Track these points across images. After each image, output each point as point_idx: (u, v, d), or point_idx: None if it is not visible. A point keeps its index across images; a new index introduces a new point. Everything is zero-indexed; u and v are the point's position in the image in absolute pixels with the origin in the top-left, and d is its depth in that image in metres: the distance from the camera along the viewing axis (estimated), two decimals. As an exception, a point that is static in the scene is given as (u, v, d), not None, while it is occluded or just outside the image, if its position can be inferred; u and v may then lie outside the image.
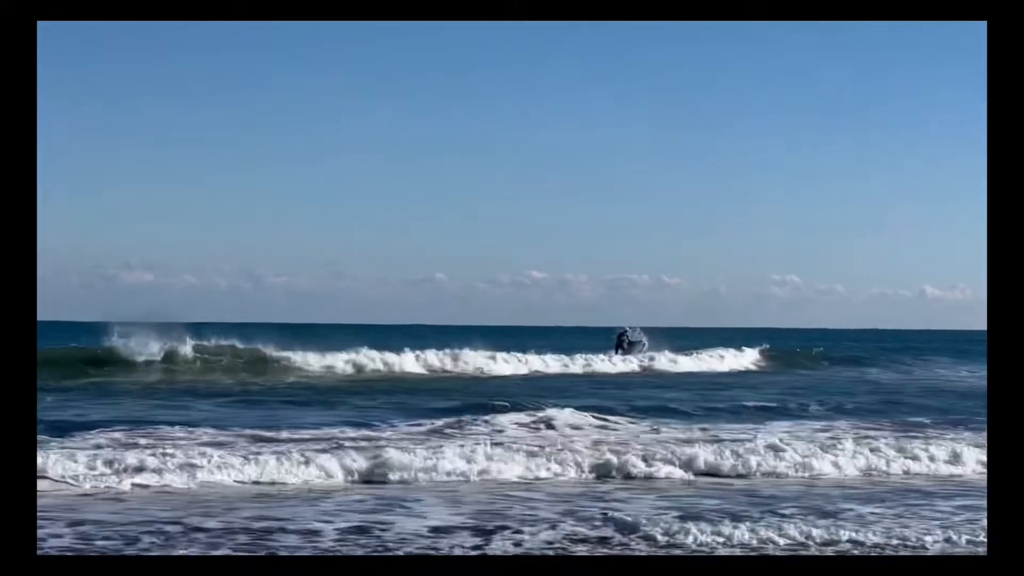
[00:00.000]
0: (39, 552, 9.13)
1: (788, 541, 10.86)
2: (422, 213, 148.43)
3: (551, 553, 10.50)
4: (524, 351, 44.85)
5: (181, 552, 10.37)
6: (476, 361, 41.95)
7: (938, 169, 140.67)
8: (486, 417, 21.71)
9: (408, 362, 40.92)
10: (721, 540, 10.80)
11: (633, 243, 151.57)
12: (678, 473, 15.58)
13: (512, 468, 15.37)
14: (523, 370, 42.36)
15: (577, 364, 44.24)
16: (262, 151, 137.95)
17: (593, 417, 22.06)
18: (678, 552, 10.53)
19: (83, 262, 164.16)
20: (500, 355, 42.95)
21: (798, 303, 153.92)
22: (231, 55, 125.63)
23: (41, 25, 7.84)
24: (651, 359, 46.75)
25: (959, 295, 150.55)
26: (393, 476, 14.80)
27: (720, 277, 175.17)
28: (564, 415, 21.97)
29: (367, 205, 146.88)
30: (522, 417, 21.77)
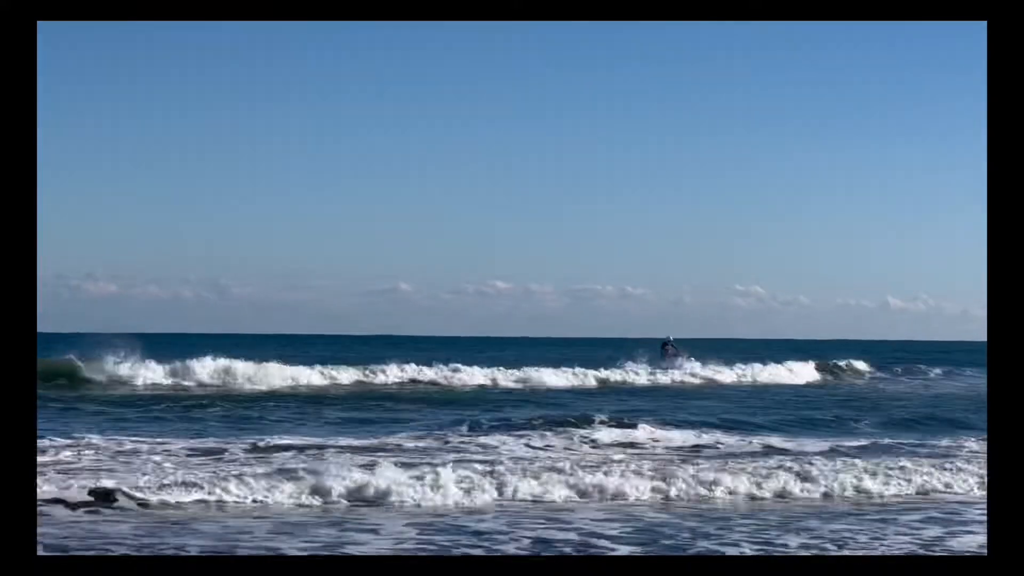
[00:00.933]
0: (39, 552, 9.12)
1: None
2: (385, 222, 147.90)
3: (551, 553, 10.51)
4: (546, 363, 43.58)
5: (181, 552, 10.37)
6: (528, 375, 40.36)
7: (901, 182, 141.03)
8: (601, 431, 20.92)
9: (474, 375, 40.00)
10: None
11: (598, 254, 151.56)
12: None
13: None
14: (569, 382, 40.50)
15: (617, 375, 42.51)
16: (226, 162, 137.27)
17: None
18: (678, 552, 10.54)
19: (46, 272, 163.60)
20: (547, 369, 41.63)
21: (762, 314, 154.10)
22: (198, 62, 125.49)
23: (41, 25, 7.84)
24: (709, 370, 44.72)
25: (921, 306, 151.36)
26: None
27: (685, 288, 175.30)
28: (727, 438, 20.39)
29: (330, 215, 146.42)
30: (637, 433, 20.67)
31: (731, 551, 10.59)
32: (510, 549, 10.69)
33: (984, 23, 7.95)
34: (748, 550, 10.65)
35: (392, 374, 38.69)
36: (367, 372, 38.75)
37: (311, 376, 37.28)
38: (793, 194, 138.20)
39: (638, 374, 43.17)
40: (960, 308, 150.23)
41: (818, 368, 50.03)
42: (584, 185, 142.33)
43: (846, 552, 10.60)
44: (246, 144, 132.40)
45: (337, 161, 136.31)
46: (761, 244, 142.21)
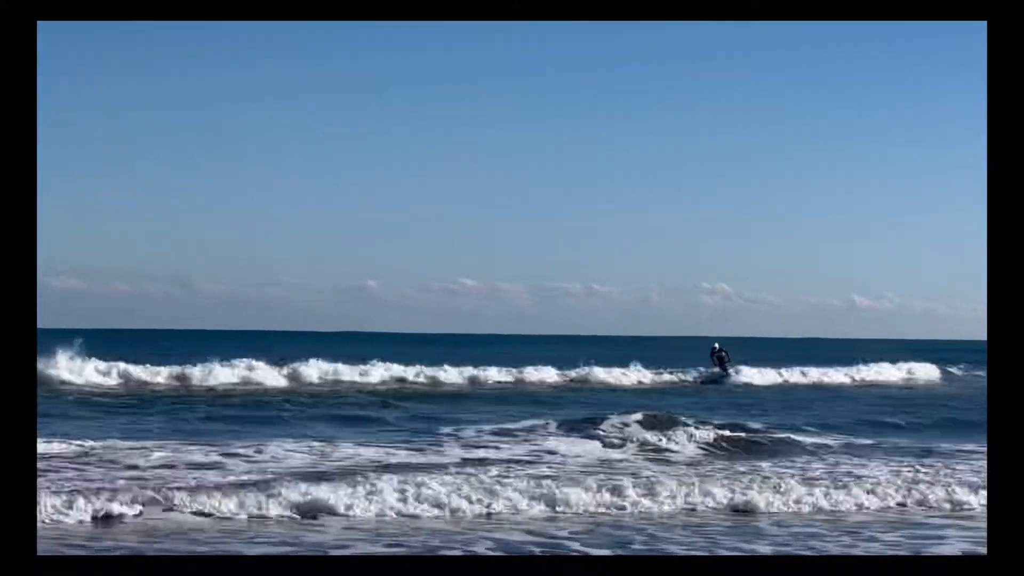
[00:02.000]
0: (39, 552, 9.11)
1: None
2: (353, 219, 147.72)
3: (551, 553, 10.50)
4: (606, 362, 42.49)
5: (181, 552, 10.37)
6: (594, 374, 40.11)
7: (868, 180, 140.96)
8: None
9: (549, 373, 39.69)
10: None
11: (565, 252, 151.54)
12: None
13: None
14: (630, 380, 39.97)
15: (675, 376, 41.77)
16: (194, 157, 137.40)
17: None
18: (678, 552, 10.54)
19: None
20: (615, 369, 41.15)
21: (729, 312, 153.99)
22: (189, 61, 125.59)
23: (41, 25, 7.84)
24: (774, 374, 42.74)
25: (888, 304, 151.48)
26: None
27: (652, 286, 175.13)
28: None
29: (297, 212, 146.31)
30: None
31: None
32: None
33: (984, 23, 7.96)
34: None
35: (461, 373, 38.42)
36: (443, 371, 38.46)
37: (380, 372, 37.31)
38: (756, 193, 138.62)
39: (712, 377, 41.42)
40: (925, 306, 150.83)
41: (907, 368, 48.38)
42: (553, 185, 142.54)
43: (846, 552, 10.60)
44: (217, 142, 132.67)
45: (307, 159, 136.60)
46: (728, 242, 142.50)
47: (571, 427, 20.58)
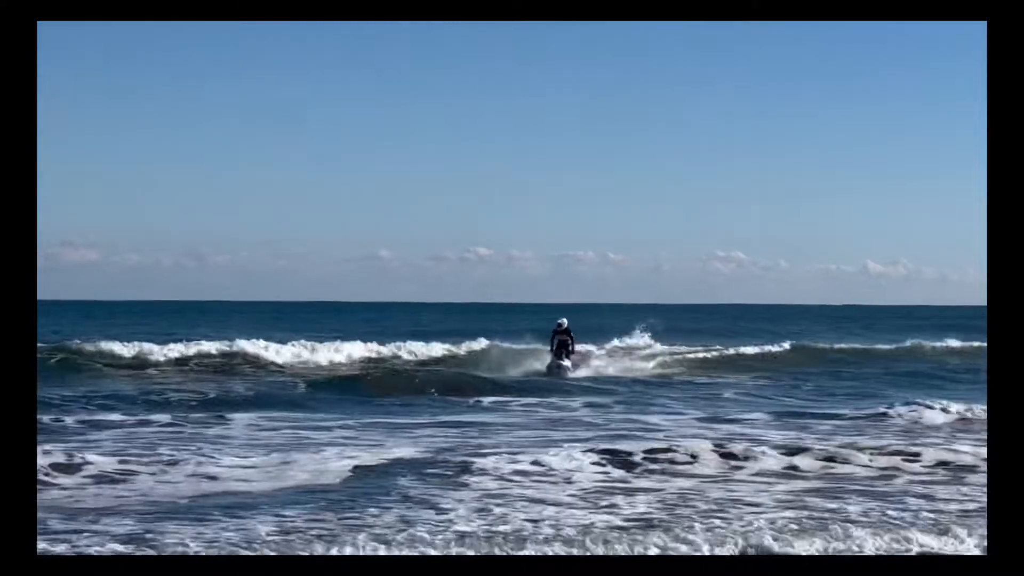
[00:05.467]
0: (39, 552, 9.13)
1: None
2: (364, 189, 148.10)
3: (551, 553, 10.50)
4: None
5: (181, 552, 10.36)
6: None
7: (886, 145, 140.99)
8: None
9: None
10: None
11: (578, 219, 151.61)
12: None
13: None
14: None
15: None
16: (204, 131, 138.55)
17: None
18: (678, 552, 10.53)
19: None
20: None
21: (743, 279, 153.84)
22: (200, 50, 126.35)
23: (41, 25, 7.85)
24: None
25: (902, 270, 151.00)
26: None
27: (664, 254, 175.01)
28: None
29: (308, 181, 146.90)
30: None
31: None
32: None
33: (984, 23, 7.96)
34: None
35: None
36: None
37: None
38: (773, 159, 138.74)
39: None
40: (938, 272, 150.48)
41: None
42: (568, 153, 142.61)
43: (846, 552, 10.59)
44: (227, 115, 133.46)
45: (318, 130, 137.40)
46: (742, 209, 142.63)
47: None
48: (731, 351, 41.75)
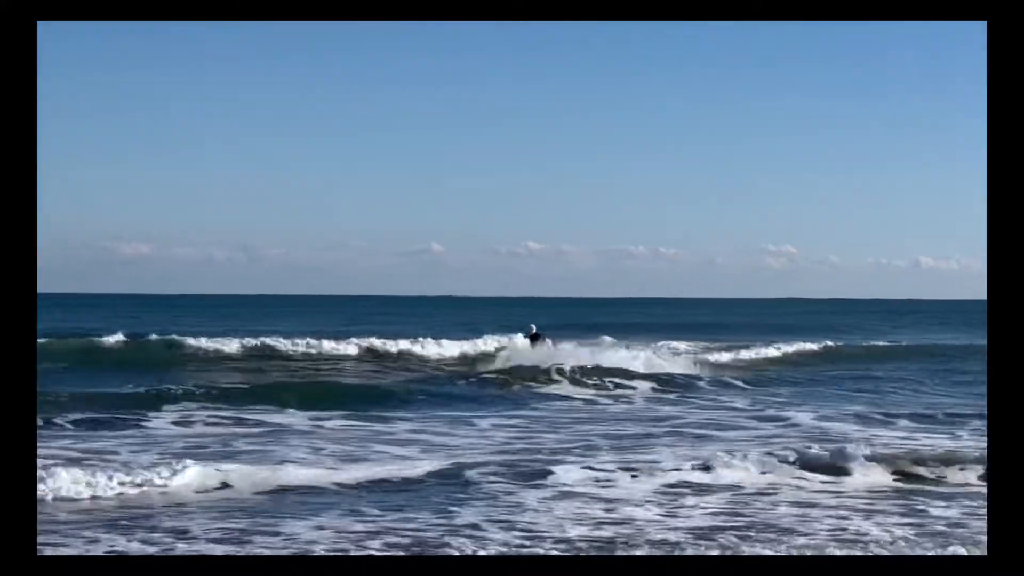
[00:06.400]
0: (39, 552, 9.12)
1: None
2: (419, 183, 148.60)
3: (551, 553, 10.50)
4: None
5: (181, 552, 10.37)
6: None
7: (936, 140, 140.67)
8: None
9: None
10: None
11: (630, 214, 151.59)
12: None
13: None
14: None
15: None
16: (256, 127, 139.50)
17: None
18: (678, 552, 10.53)
19: (79, 234, 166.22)
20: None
21: (793, 273, 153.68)
22: (234, 48, 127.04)
23: (41, 25, 7.84)
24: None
25: (954, 265, 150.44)
26: None
27: (717, 248, 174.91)
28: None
29: (362, 176, 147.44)
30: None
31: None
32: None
33: (984, 23, 7.96)
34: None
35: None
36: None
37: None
38: (825, 156, 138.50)
39: None
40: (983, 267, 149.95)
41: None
42: (620, 147, 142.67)
43: (846, 552, 10.59)
44: (280, 109, 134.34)
45: (369, 123, 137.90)
46: (794, 204, 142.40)
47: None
48: (829, 344, 40.97)
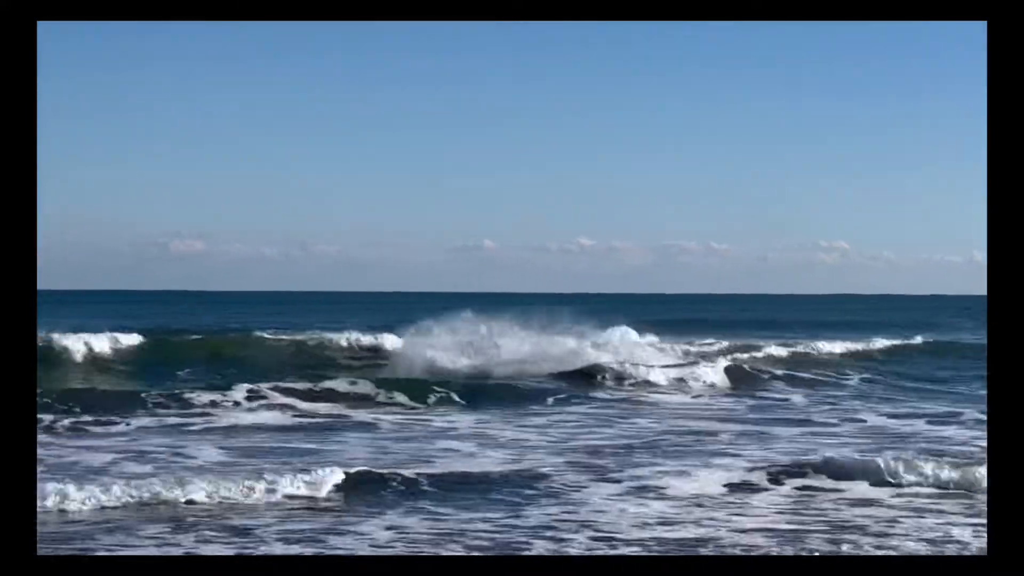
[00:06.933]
0: (39, 552, 9.12)
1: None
2: (471, 179, 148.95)
3: (551, 553, 10.50)
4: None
5: (181, 552, 10.37)
6: None
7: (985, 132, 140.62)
8: None
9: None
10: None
11: (681, 209, 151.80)
12: None
13: None
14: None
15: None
16: (305, 123, 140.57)
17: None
18: (677, 552, 10.53)
19: (134, 231, 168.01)
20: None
21: (846, 269, 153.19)
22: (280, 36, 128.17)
23: (41, 25, 7.84)
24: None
25: None
26: None
27: (770, 244, 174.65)
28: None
29: (413, 172, 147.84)
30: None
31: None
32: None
33: (984, 23, 7.96)
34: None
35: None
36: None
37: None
38: (877, 149, 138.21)
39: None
40: None
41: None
42: (672, 142, 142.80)
43: (845, 552, 10.59)
44: (329, 105, 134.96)
45: (419, 123, 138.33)
46: (848, 199, 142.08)
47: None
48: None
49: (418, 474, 14.05)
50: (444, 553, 10.42)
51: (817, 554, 10.47)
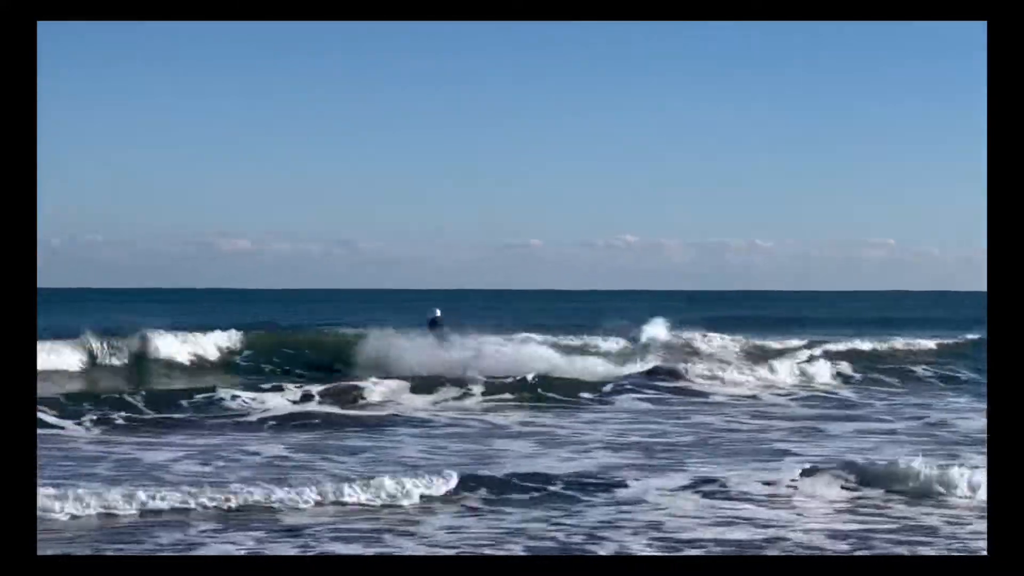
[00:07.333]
0: (39, 552, 9.12)
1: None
2: (515, 177, 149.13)
3: (550, 553, 10.49)
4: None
5: (181, 552, 10.37)
6: None
7: None
8: None
9: None
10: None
11: (726, 206, 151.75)
12: None
13: None
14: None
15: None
16: (350, 121, 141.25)
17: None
18: (678, 552, 10.53)
19: (182, 231, 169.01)
20: None
21: (892, 265, 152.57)
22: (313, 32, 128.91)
23: (41, 25, 7.85)
24: None
25: None
26: None
27: (815, 240, 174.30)
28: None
29: (461, 171, 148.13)
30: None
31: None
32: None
33: (984, 23, 7.96)
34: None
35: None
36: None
37: None
38: (920, 142, 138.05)
39: None
40: None
41: None
42: (716, 139, 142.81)
43: (845, 552, 10.59)
44: (364, 105, 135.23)
45: (471, 118, 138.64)
46: (892, 195, 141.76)
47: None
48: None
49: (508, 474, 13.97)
50: (443, 553, 10.42)
51: (817, 554, 10.47)
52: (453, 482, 13.08)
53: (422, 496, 12.68)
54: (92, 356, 28.22)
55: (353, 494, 12.50)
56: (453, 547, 10.68)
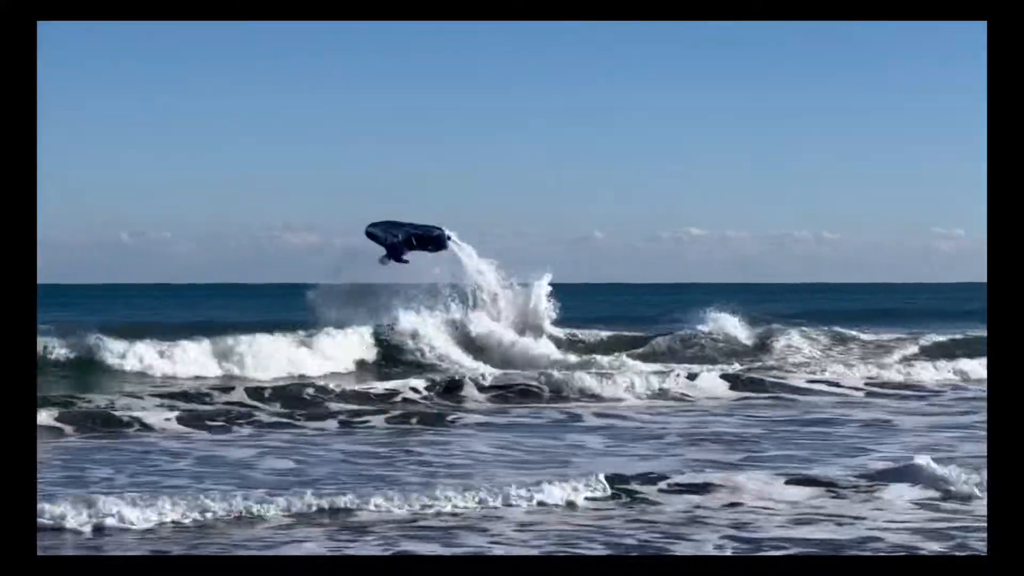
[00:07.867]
0: (39, 552, 9.13)
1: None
2: (579, 170, 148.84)
3: (550, 553, 10.49)
4: None
5: (181, 552, 10.37)
6: None
7: None
8: None
9: None
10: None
11: (793, 198, 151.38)
12: None
13: None
14: None
15: None
16: (418, 112, 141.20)
17: None
18: (678, 552, 10.53)
19: (253, 225, 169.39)
20: None
21: (961, 257, 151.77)
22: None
23: (41, 25, 7.85)
24: None
25: None
26: None
27: (884, 232, 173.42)
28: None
29: (525, 163, 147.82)
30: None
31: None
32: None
33: (984, 23, 7.97)
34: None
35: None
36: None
37: None
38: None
39: None
40: None
41: None
42: (784, 133, 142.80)
43: (845, 552, 10.58)
44: (444, 97, 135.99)
45: (533, 106, 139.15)
46: (964, 185, 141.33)
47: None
48: None
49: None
50: (444, 553, 10.42)
51: (817, 554, 10.46)
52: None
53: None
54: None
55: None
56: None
